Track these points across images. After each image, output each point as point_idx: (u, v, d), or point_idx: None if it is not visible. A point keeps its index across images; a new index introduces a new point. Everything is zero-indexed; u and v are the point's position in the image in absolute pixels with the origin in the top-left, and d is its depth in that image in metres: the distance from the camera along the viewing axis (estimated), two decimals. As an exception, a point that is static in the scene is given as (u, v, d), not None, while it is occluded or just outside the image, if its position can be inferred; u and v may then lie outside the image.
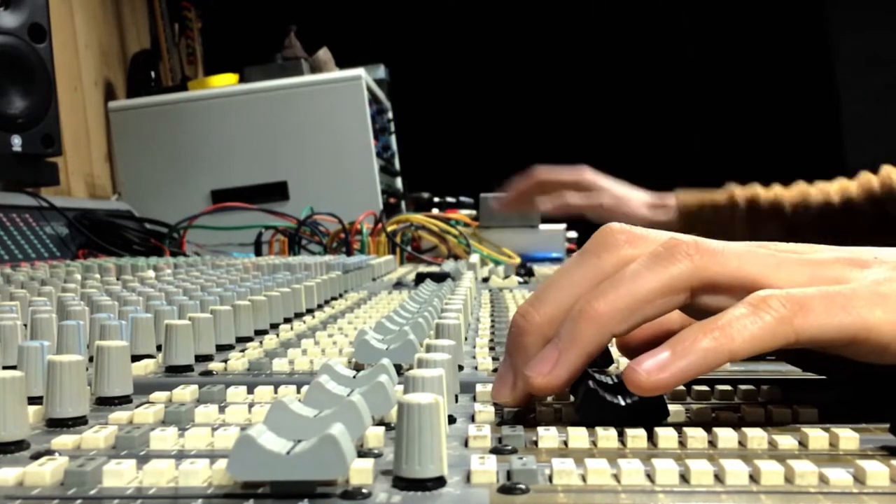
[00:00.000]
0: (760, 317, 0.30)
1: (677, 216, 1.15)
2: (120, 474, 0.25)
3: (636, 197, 1.19)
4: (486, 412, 0.33)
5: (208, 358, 0.46)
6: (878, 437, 0.31)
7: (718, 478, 0.26)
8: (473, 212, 1.46)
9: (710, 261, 0.33)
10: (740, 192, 1.12)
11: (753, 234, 1.08)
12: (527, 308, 0.35)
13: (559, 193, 1.18)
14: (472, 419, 0.33)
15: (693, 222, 1.12)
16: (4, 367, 0.34)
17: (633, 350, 0.37)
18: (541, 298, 0.35)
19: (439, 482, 0.25)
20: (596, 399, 0.32)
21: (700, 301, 0.33)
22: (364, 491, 0.24)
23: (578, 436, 0.30)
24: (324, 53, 1.69)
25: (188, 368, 0.43)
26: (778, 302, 0.31)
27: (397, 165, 1.95)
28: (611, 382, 0.33)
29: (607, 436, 0.30)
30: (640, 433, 0.30)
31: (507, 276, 0.91)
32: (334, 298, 0.74)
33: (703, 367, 0.30)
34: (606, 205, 1.16)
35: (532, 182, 1.20)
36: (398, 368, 0.38)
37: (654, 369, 0.30)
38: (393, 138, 1.94)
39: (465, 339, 0.50)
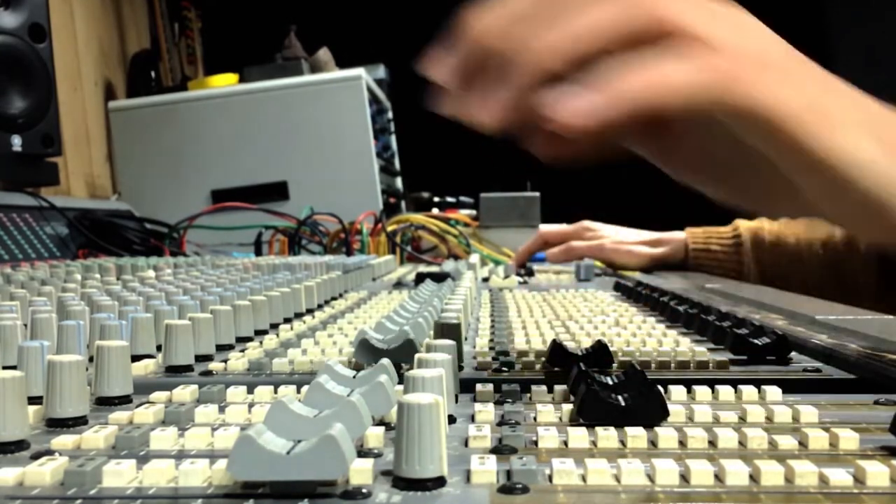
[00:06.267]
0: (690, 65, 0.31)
1: (685, 251, 1.20)
2: (120, 474, 0.25)
3: (634, 235, 1.26)
4: (486, 412, 0.33)
5: (208, 358, 0.46)
6: (878, 437, 0.31)
7: (718, 478, 0.26)
8: (473, 212, 1.46)
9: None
10: (745, 226, 1.15)
11: (759, 266, 1.12)
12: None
13: (566, 244, 1.26)
14: (472, 419, 0.33)
15: (701, 257, 1.18)
16: (4, 367, 0.34)
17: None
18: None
19: (439, 482, 0.25)
20: (596, 399, 0.32)
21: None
22: (364, 491, 0.24)
23: (578, 436, 0.30)
24: (324, 53, 1.69)
25: (188, 368, 0.43)
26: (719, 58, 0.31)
27: (397, 165, 1.95)
28: (611, 382, 0.33)
29: (607, 436, 0.30)
30: (640, 433, 0.30)
31: (507, 276, 0.91)
32: (334, 298, 0.74)
33: (633, 105, 0.30)
34: (608, 246, 1.23)
35: (539, 241, 1.29)
36: (398, 368, 0.38)
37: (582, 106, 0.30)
38: (393, 138, 1.94)
39: (465, 339, 0.50)
